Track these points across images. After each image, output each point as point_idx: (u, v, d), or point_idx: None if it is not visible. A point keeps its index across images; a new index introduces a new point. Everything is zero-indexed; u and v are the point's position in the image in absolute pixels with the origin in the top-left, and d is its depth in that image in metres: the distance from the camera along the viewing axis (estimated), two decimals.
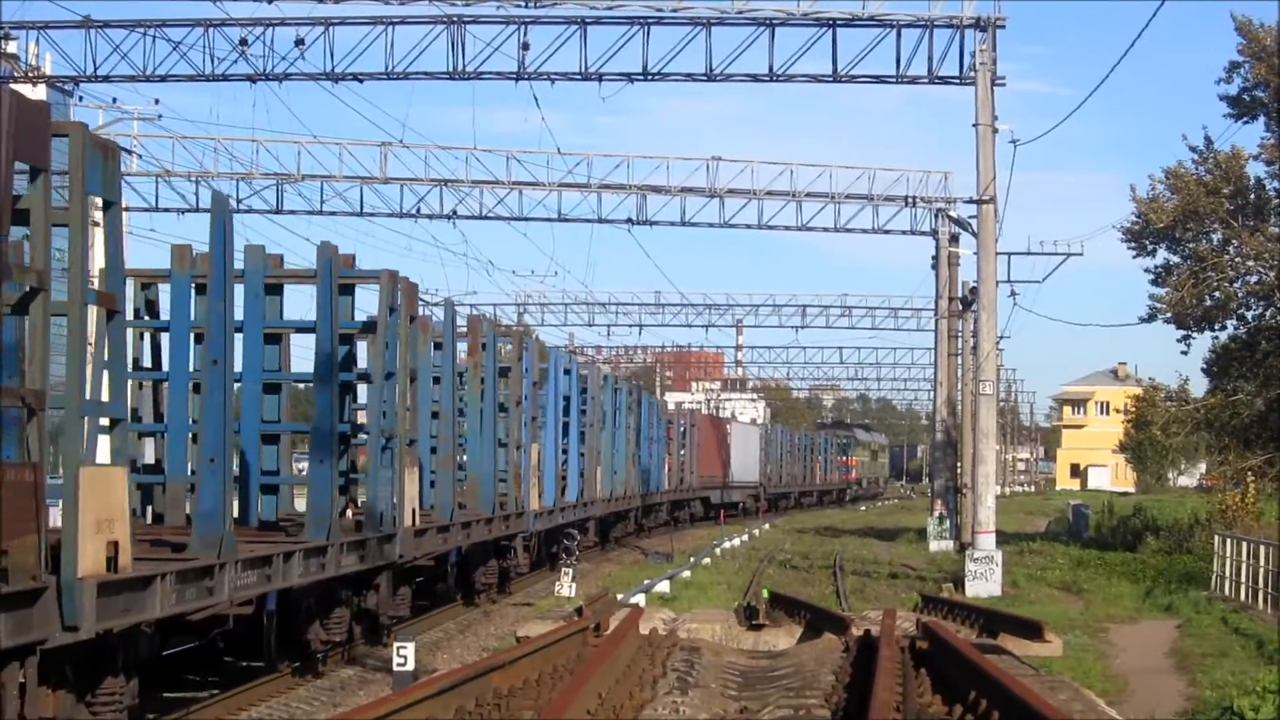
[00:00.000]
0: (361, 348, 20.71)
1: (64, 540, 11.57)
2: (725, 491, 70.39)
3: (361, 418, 21.64)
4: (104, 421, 13.04)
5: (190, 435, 18.27)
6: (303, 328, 20.20)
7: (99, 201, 12.83)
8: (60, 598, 11.44)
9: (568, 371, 37.02)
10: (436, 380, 24.56)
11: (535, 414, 31.70)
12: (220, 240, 15.27)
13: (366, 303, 22.01)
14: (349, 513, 20.08)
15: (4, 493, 10.69)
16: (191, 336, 18.74)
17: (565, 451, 36.24)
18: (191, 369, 18.71)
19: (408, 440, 20.58)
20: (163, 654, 15.91)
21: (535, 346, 33.97)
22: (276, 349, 20.17)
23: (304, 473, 20.04)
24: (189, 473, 18.33)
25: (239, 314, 17.69)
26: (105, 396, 12.94)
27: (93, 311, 12.59)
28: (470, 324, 27.68)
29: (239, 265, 17.06)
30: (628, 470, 45.51)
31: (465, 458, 27.07)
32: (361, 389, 20.96)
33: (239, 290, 17.21)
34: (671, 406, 68.07)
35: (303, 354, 21.82)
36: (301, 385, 23.34)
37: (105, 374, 13.05)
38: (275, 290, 20.11)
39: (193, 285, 18.77)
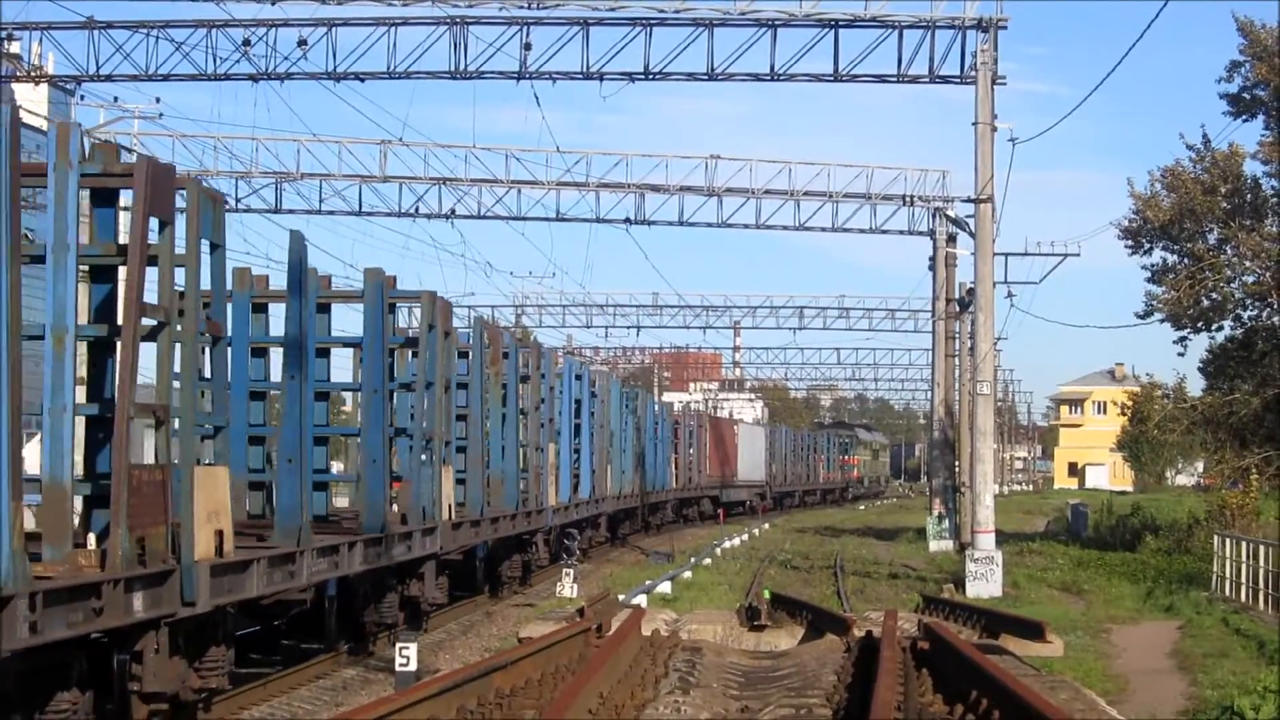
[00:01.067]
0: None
1: (182, 529, 13.28)
2: (733, 490, 72.40)
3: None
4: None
5: (247, 438, 19.68)
6: (351, 343, 21.86)
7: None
8: (181, 578, 13.16)
9: (579, 377, 38.42)
10: (461, 386, 25.85)
11: (552, 417, 33.44)
12: (298, 273, 17.03)
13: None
14: (394, 506, 21.31)
15: (141, 490, 12.47)
16: (249, 349, 20.02)
17: (577, 452, 37.64)
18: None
19: (444, 443, 22.46)
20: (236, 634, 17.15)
21: (551, 355, 35.95)
22: (325, 361, 21.78)
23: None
24: (247, 471, 19.74)
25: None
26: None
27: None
28: (492, 335, 28.85)
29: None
30: (635, 469, 47.13)
31: (488, 458, 28.26)
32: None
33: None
34: (678, 408, 68.95)
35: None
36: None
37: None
38: (324, 309, 21.43)
39: (250, 303, 20.12)
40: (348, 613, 19.74)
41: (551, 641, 15.94)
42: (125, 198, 13.40)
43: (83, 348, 13.52)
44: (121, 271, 13.19)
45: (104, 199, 13.44)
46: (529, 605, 27.63)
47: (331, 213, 49.72)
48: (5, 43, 37.32)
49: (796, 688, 14.84)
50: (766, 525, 61.77)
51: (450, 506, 22.86)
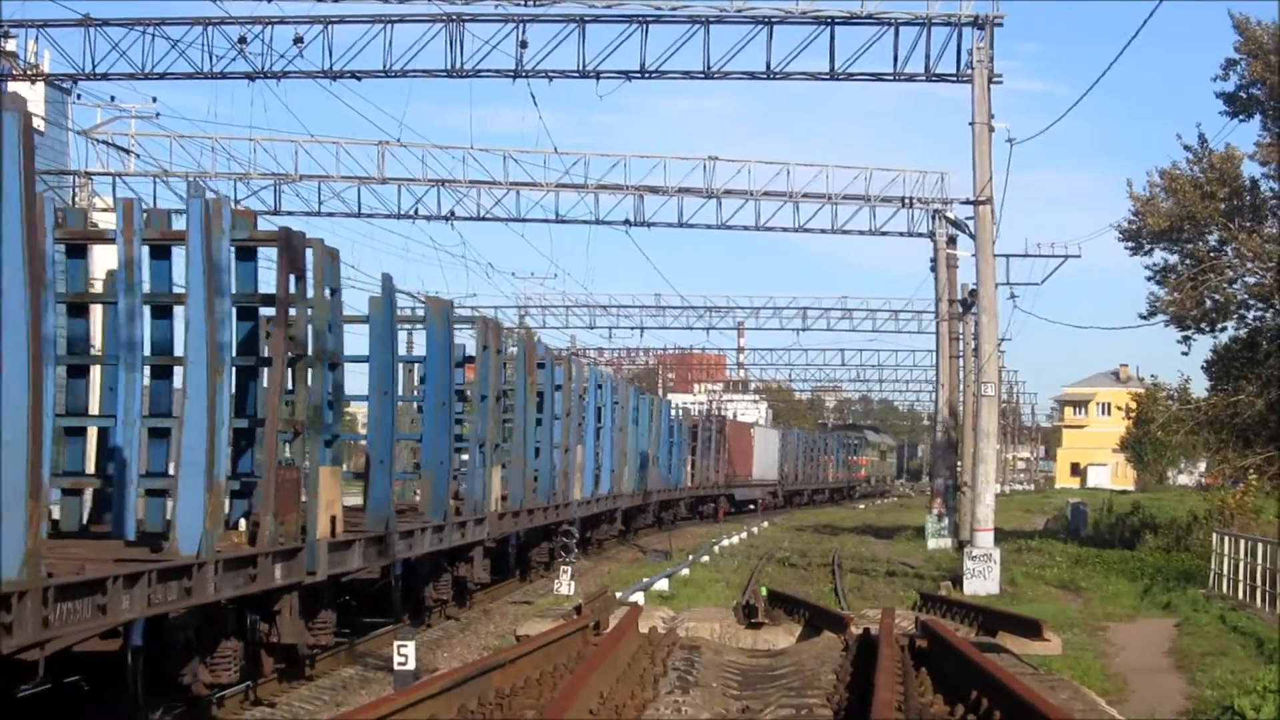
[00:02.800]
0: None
1: (308, 514, 16.68)
2: (747, 489, 75.38)
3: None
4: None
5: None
6: (416, 360, 25.38)
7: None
8: (307, 553, 16.45)
9: (601, 385, 40.79)
10: (504, 394, 28.23)
11: (580, 421, 36.27)
12: (388, 306, 19.98)
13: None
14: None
15: (284, 486, 15.62)
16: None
17: (597, 453, 39.92)
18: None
19: (493, 445, 25.72)
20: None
21: (580, 365, 39.60)
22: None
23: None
24: None
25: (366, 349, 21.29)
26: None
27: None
28: (528, 349, 31.41)
29: (364, 311, 20.90)
30: (650, 468, 49.81)
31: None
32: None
33: (363, 329, 20.88)
34: (695, 411, 70.41)
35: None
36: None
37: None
38: None
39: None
40: (410, 590, 22.59)
41: (549, 640, 15.90)
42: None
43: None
44: (261, 312, 16.77)
45: (246, 255, 16.66)
46: (527, 603, 27.65)
47: (331, 214, 49.68)
48: (2, 41, 37.29)
49: (796, 687, 14.79)
50: (766, 523, 61.69)
51: (497, 500, 26.04)
